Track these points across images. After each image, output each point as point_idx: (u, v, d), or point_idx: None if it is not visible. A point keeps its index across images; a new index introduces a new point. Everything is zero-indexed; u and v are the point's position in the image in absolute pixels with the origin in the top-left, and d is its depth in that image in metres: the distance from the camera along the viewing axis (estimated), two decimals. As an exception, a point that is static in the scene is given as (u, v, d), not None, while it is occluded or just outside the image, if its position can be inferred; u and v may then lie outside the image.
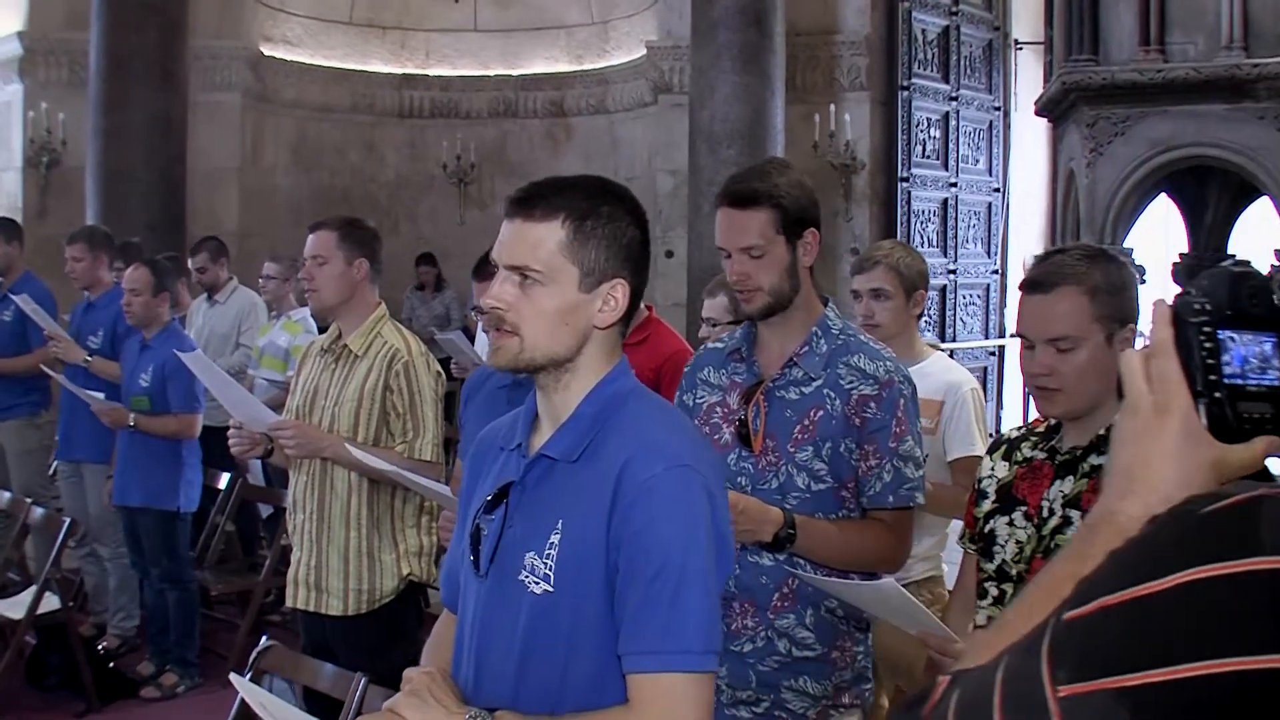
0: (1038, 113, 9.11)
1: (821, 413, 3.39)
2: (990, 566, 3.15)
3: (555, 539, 2.38)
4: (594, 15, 15.43)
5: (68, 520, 6.72)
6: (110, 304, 7.75)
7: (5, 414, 8.25)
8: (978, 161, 14.54)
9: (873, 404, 3.38)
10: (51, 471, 8.47)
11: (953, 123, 14.13)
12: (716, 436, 3.53)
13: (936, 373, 4.87)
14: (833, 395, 3.41)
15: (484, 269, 4.34)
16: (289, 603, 4.88)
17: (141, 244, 9.42)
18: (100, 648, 7.23)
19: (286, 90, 15.03)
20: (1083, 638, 1.15)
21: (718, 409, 3.60)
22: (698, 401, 3.69)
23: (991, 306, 14.72)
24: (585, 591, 2.34)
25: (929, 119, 13.84)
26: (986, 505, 3.23)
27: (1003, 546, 3.12)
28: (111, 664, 7.06)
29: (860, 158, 13.19)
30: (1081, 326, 2.93)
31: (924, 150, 13.78)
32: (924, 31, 13.74)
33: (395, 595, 4.78)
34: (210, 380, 4.96)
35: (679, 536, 2.31)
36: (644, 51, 14.36)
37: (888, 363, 3.45)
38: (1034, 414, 3.32)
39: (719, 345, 3.79)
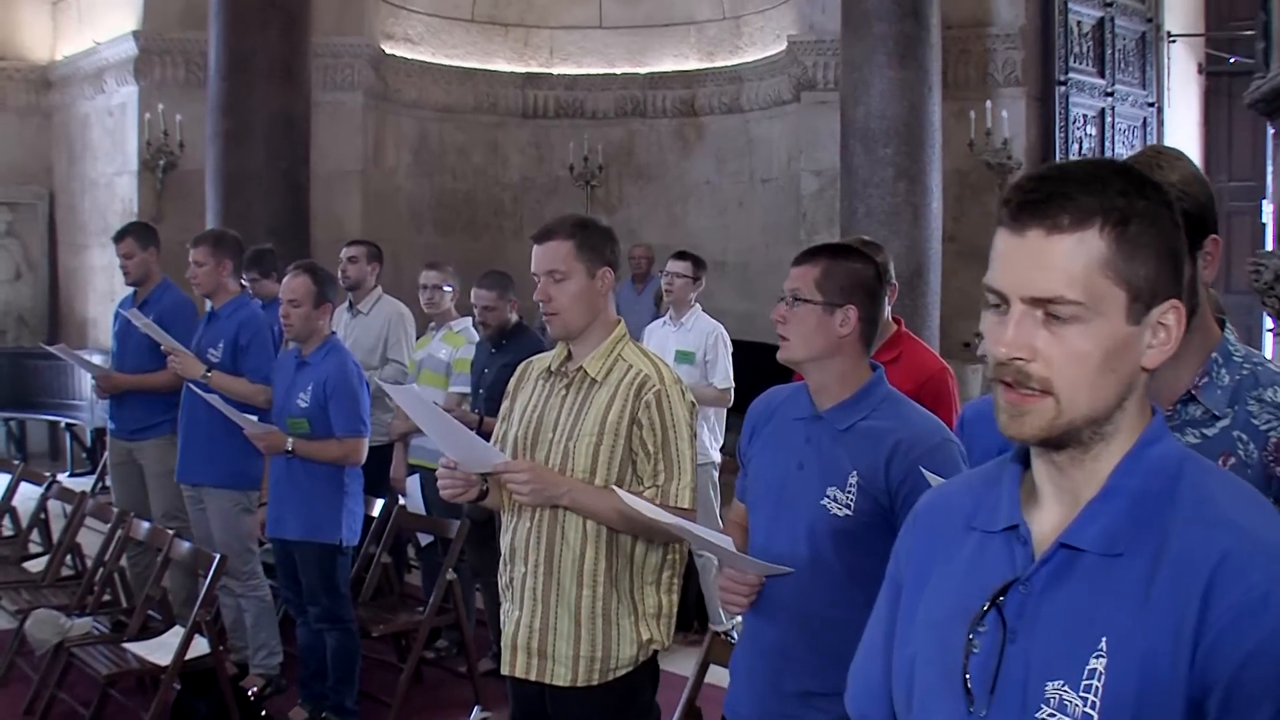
0: (1250, 105, 8.29)
1: (1234, 460, 2.65)
2: None
3: (1098, 665, 1.67)
4: (725, 10, 14.86)
5: (218, 556, 6.11)
6: (233, 314, 7.13)
7: (145, 433, 7.68)
8: (1132, 160, 13.75)
9: None
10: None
11: (1108, 119, 13.36)
12: None
13: None
14: (1245, 439, 2.67)
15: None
16: (504, 670, 4.13)
17: (274, 250, 8.86)
18: (250, 693, 6.60)
19: (408, 90, 14.59)
20: None
21: None
22: None
23: (1146, 311, 13.91)
24: None
25: (1085, 115, 13.08)
26: None
27: None
28: (264, 712, 6.44)
29: (1016, 156, 12.45)
30: None
31: (1080, 148, 13.02)
32: (1079, 24, 12.98)
33: (633, 665, 4.06)
34: (424, 417, 4.17)
35: None
36: (780, 47, 13.81)
37: None
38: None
39: None
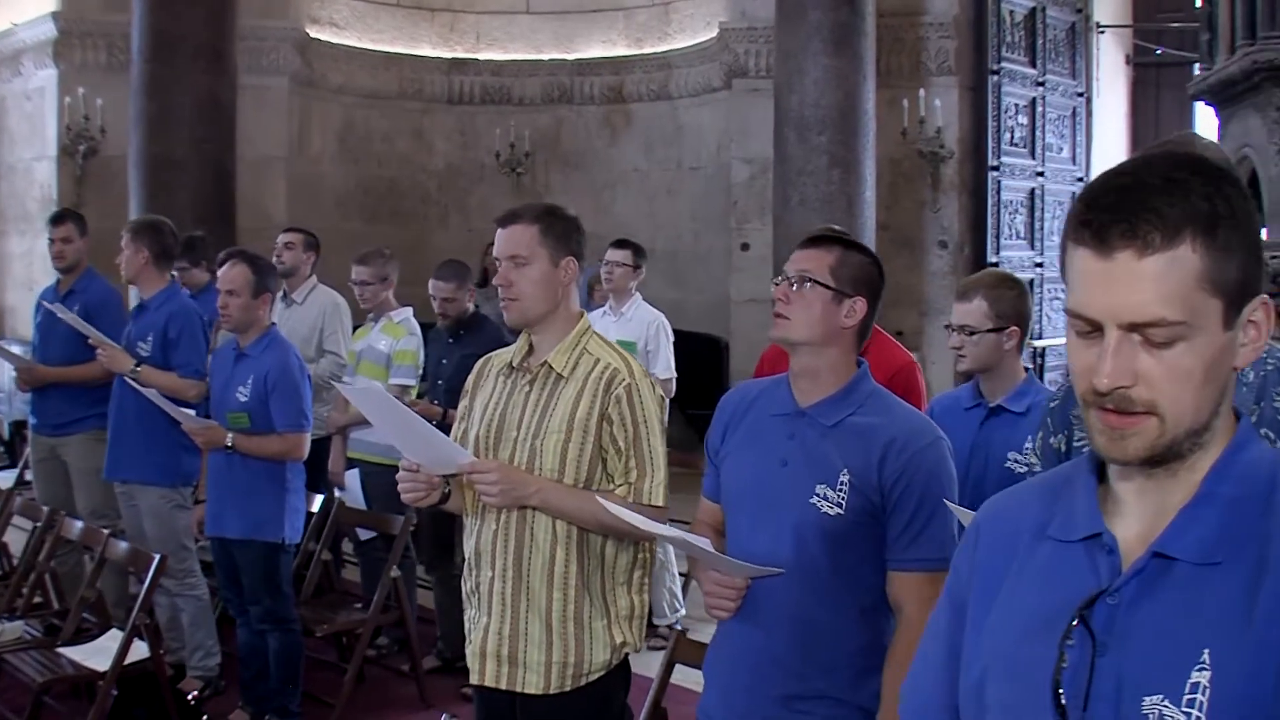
0: (1195, 96, 8.32)
1: None
2: None
3: (1201, 678, 1.58)
4: (654, -4, 14.72)
5: (157, 557, 5.91)
6: (161, 306, 6.89)
7: (70, 428, 7.42)
8: (1061, 150, 13.82)
9: None
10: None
11: (1039, 109, 13.40)
12: None
13: None
14: (1272, 435, 2.65)
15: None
16: (473, 679, 3.97)
17: (204, 238, 8.63)
18: (190, 697, 6.41)
19: (333, 75, 14.37)
20: None
21: None
22: (1075, 445, 2.94)
23: (1075, 303, 13.93)
24: None
25: (1016, 105, 13.11)
26: None
27: None
28: (204, 716, 6.26)
29: (948, 145, 12.44)
30: None
31: (1012, 138, 13.04)
32: (1011, 13, 13.00)
33: (606, 669, 3.92)
34: (384, 419, 3.99)
35: None
36: (709, 34, 13.78)
37: None
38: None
39: None
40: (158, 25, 10.64)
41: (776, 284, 3.41)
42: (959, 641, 1.90)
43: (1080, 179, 13.94)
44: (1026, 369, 4.61)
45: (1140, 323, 1.61)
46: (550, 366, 3.88)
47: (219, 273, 6.17)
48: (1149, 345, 1.62)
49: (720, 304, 13.17)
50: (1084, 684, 1.66)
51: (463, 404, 4.14)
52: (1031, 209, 13.30)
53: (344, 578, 8.29)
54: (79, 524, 6.68)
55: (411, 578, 7.47)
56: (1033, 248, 13.26)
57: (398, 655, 7.43)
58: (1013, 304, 4.43)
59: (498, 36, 15.18)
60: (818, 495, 3.26)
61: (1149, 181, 1.64)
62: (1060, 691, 1.67)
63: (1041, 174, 13.38)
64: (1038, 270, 13.23)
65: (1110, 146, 15.00)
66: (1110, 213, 1.62)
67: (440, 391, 6.95)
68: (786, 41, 11.16)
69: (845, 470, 3.25)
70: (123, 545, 6.29)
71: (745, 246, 12.94)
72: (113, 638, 6.01)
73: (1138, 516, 1.72)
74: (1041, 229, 13.34)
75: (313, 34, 13.95)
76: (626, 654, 3.98)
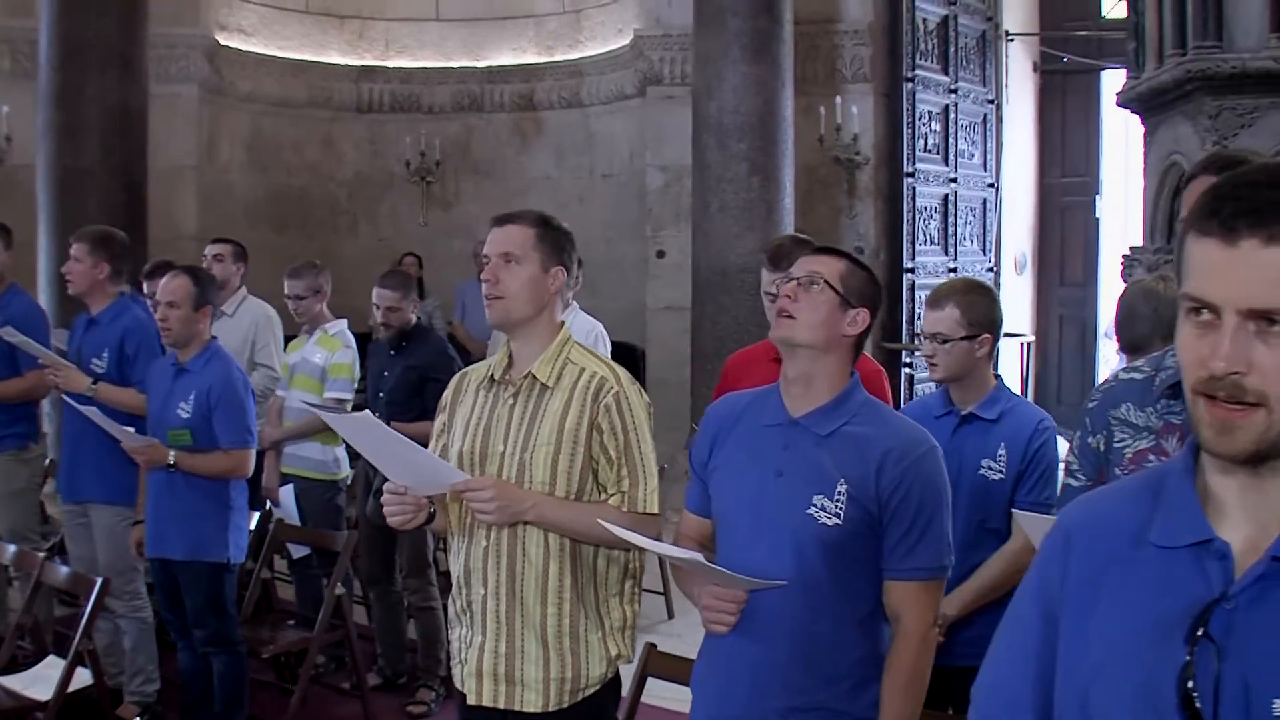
0: (1120, 104, 8.39)
1: None
2: None
3: None
4: (565, 4, 14.64)
5: (99, 580, 5.72)
6: (115, 320, 6.67)
7: (-13, 448, 7.12)
8: (973, 156, 13.92)
9: None
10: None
11: (952, 115, 13.48)
12: None
13: None
14: None
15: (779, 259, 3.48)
16: (469, 699, 3.87)
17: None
18: (131, 723, 6.24)
19: (242, 83, 14.08)
20: None
21: (1151, 457, 2.83)
22: (1115, 446, 2.94)
23: (987, 307, 14.02)
24: None
25: (930, 112, 13.17)
26: None
27: None
28: (147, 743, 6.09)
29: (864, 152, 12.48)
30: None
31: (925, 144, 13.11)
32: (924, 21, 13.06)
33: (602, 683, 3.85)
34: (370, 444, 3.83)
35: None
36: (622, 42, 13.72)
37: None
38: None
39: (1137, 375, 3.00)
40: (66, 32, 10.36)
41: (777, 286, 3.39)
42: (1051, 647, 1.90)
43: (991, 184, 14.08)
44: (997, 376, 4.60)
45: (1260, 309, 1.65)
46: (534, 377, 3.82)
47: (160, 284, 6.01)
48: (1264, 335, 1.65)
49: (635, 312, 13.09)
50: (1211, 689, 1.67)
51: (440, 419, 4.06)
52: (945, 215, 13.37)
53: (281, 597, 8.11)
54: (11, 548, 6.44)
55: (349, 594, 7.33)
56: (946, 253, 13.34)
57: (336, 673, 7.29)
58: (985, 311, 4.43)
59: (407, 44, 15.00)
60: (815, 506, 3.25)
61: (1276, 180, 1.69)
62: (1194, 695, 1.67)
63: (954, 180, 13.46)
64: (951, 275, 13.30)
65: (1019, 152, 15.16)
66: (1239, 203, 1.67)
67: (382, 404, 6.80)
68: (705, 48, 11.11)
69: (842, 480, 3.24)
70: (62, 569, 6.09)
71: (661, 254, 12.89)
72: (52, 665, 5.81)
73: (1242, 519, 1.74)
74: (954, 234, 13.43)
75: (222, 41, 13.68)
76: (618, 666, 3.93)
